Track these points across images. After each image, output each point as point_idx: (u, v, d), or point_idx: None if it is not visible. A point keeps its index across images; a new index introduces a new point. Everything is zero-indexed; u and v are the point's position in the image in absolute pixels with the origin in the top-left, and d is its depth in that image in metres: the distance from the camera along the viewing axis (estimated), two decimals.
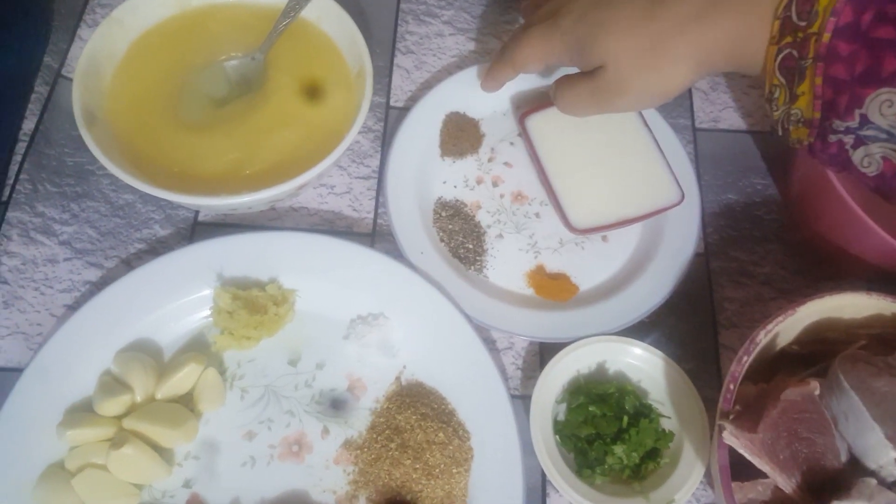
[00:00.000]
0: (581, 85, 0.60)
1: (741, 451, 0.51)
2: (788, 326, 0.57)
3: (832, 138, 0.49)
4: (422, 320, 0.64)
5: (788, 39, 0.49)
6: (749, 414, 0.53)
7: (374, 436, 0.61)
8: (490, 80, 0.68)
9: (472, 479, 0.59)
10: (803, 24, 0.48)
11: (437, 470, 0.58)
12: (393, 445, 0.59)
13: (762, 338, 0.55)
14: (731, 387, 0.53)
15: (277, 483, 0.59)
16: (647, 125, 0.71)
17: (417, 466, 0.58)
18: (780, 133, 0.54)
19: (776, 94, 0.52)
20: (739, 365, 0.54)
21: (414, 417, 0.60)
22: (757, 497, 0.52)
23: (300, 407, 0.62)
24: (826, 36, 0.47)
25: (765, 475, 0.52)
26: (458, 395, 0.62)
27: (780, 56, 0.50)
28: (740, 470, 0.52)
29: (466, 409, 0.62)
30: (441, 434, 0.59)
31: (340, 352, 0.64)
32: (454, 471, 0.59)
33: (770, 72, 0.51)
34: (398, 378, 0.64)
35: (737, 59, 0.53)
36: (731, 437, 0.51)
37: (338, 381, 0.63)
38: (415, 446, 0.59)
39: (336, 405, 0.62)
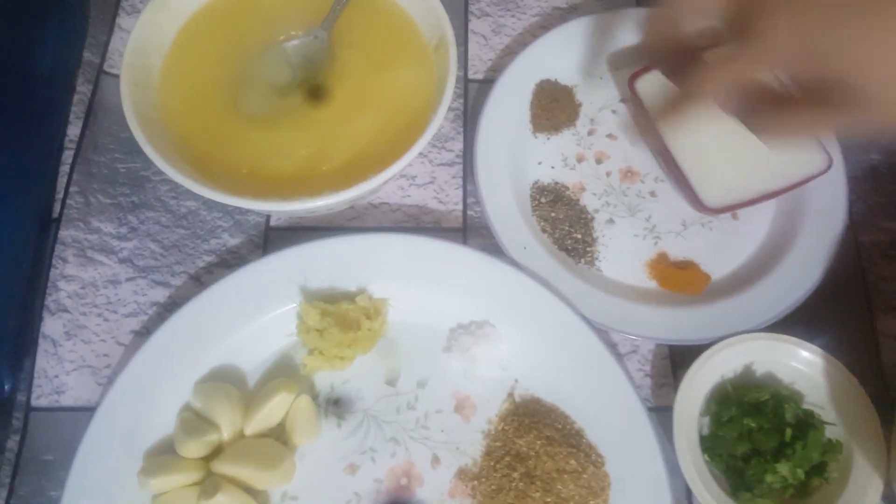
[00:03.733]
0: (808, 109, 0.46)
1: None
2: None
3: None
4: (533, 326, 0.56)
5: None
6: None
7: (492, 463, 0.53)
8: (670, 115, 0.52)
9: None
10: None
11: (572, 502, 0.50)
12: (516, 475, 0.51)
13: None
14: None
15: None
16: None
17: (549, 500, 0.50)
18: None
19: None
20: None
21: (539, 442, 0.52)
22: None
23: (405, 433, 0.54)
24: None
25: None
26: (583, 412, 0.54)
27: None
28: None
29: (596, 428, 0.54)
30: (573, 461, 0.51)
31: (443, 367, 0.56)
32: (591, 502, 0.51)
33: None
34: (511, 395, 0.56)
35: None
36: None
37: (443, 400, 0.55)
38: (543, 476, 0.51)
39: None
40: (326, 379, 0.56)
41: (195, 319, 0.54)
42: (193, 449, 0.50)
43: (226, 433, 0.51)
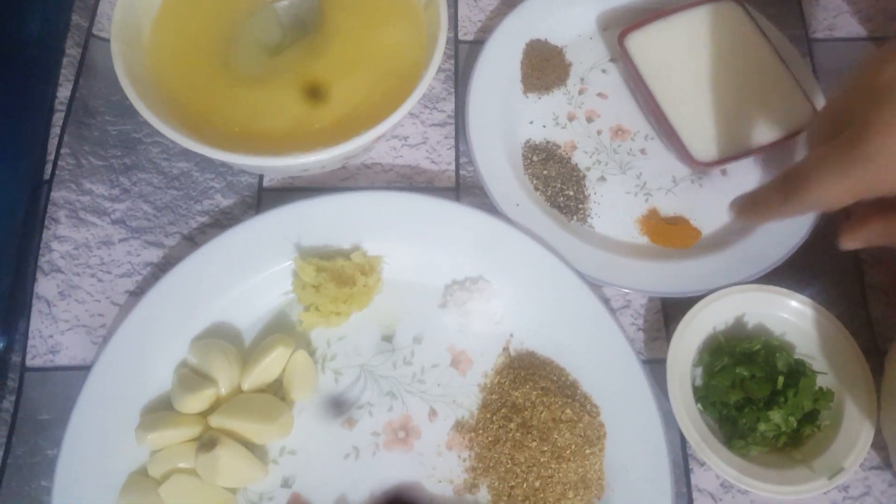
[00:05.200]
0: None
1: None
2: None
3: None
4: (527, 281, 0.56)
5: None
6: None
7: (489, 415, 0.53)
8: (752, 214, 0.49)
9: (608, 458, 0.52)
10: None
11: (568, 451, 0.51)
12: (513, 426, 0.52)
13: None
14: None
15: (385, 476, 0.52)
16: (765, 35, 0.61)
17: (545, 448, 0.51)
18: None
19: None
20: None
21: (534, 393, 0.52)
22: None
23: (401, 387, 0.55)
24: None
25: None
26: (578, 365, 0.55)
27: None
28: None
29: (590, 380, 0.54)
30: (568, 410, 0.52)
31: (438, 323, 0.57)
32: (587, 451, 0.51)
33: None
34: (506, 349, 0.56)
35: None
36: None
37: (439, 355, 0.56)
38: (539, 426, 0.51)
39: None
40: (322, 336, 0.56)
41: (189, 278, 0.54)
42: (191, 404, 0.50)
43: (223, 388, 0.51)
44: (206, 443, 0.49)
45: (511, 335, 0.56)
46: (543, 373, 0.54)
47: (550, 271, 0.56)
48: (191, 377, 0.52)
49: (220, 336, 0.54)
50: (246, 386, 0.52)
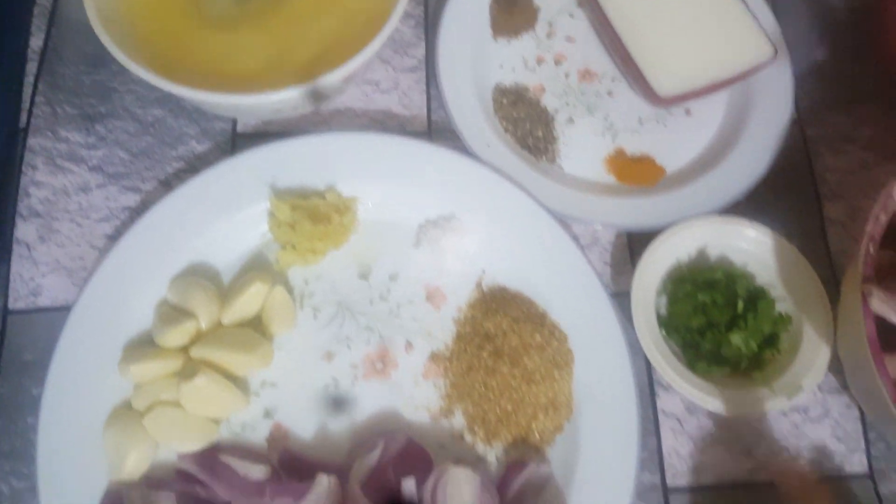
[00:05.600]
0: None
1: (893, 318, 0.45)
2: None
3: None
4: (498, 218, 0.58)
5: None
6: (891, 280, 0.47)
7: (463, 346, 0.55)
8: None
9: (577, 383, 0.54)
10: None
11: (538, 375, 0.53)
12: (485, 353, 0.54)
13: None
14: (871, 248, 0.47)
15: (364, 405, 0.54)
16: None
17: (516, 372, 0.53)
18: None
19: None
20: (877, 225, 0.48)
21: (505, 322, 0.54)
22: None
23: (378, 322, 0.56)
24: None
25: None
26: (547, 297, 0.57)
27: None
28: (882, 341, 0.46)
29: (559, 309, 0.56)
30: (537, 336, 0.54)
31: (413, 260, 0.58)
32: (556, 374, 0.53)
33: None
34: (479, 284, 0.58)
35: None
36: (881, 304, 0.45)
37: (414, 291, 0.57)
38: (510, 352, 0.53)
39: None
40: (300, 274, 0.57)
41: (166, 219, 0.55)
42: (172, 337, 0.52)
43: (203, 322, 0.53)
44: (187, 373, 0.50)
45: (483, 271, 0.58)
46: (514, 304, 0.56)
47: (521, 208, 0.58)
48: (171, 313, 0.53)
49: (198, 276, 0.55)
50: (226, 320, 0.53)
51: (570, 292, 0.56)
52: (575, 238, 0.60)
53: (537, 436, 0.52)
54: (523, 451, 0.53)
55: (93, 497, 0.50)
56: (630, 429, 0.52)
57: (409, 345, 0.56)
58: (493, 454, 0.53)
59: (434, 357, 0.56)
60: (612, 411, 0.53)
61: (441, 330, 0.57)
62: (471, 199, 0.58)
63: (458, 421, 0.54)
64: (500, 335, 0.54)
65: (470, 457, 0.53)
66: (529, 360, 0.53)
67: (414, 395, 0.55)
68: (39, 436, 0.50)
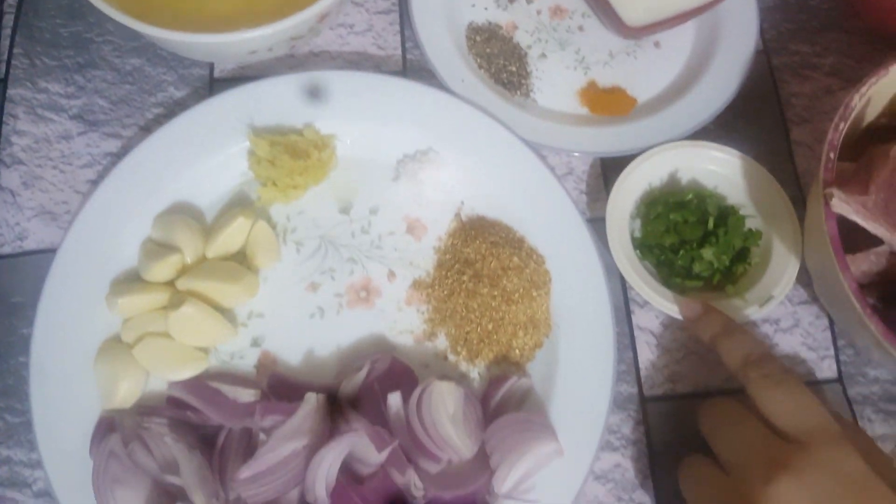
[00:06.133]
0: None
1: (853, 216, 0.47)
2: (880, 91, 0.52)
3: None
4: (474, 149, 0.59)
5: None
6: (853, 184, 0.49)
7: (444, 272, 0.57)
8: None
9: (555, 303, 0.56)
10: None
11: (517, 294, 0.54)
12: (465, 278, 0.55)
13: (856, 102, 0.50)
14: (832, 155, 0.49)
15: (351, 331, 0.56)
16: None
17: (496, 293, 0.54)
18: None
19: None
20: (836, 132, 0.49)
21: (484, 246, 0.56)
22: (871, 268, 0.49)
23: (361, 253, 0.58)
24: None
25: (877, 243, 0.48)
26: (525, 223, 0.58)
27: None
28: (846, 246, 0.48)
29: (536, 234, 0.58)
30: (515, 258, 0.55)
31: (393, 194, 0.59)
32: (534, 294, 0.55)
33: None
34: (458, 215, 0.59)
35: None
36: (841, 204, 0.47)
37: (395, 224, 0.59)
38: (489, 274, 0.55)
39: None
40: (282, 211, 0.59)
41: (148, 159, 0.56)
42: (157, 271, 0.53)
43: (188, 256, 0.54)
44: (175, 302, 0.51)
45: (462, 202, 0.60)
46: (493, 230, 0.57)
47: (497, 140, 0.59)
48: (156, 249, 0.54)
49: (182, 213, 0.56)
50: (210, 254, 0.55)
51: (546, 218, 0.58)
52: (551, 168, 0.62)
53: (518, 353, 0.54)
54: (505, 368, 0.54)
55: (86, 426, 0.51)
56: (606, 343, 0.54)
57: (391, 274, 0.57)
58: (475, 372, 0.55)
59: (416, 284, 0.57)
60: (589, 328, 0.54)
61: (422, 259, 0.58)
62: (448, 132, 0.59)
63: (442, 342, 0.55)
64: (480, 259, 0.56)
65: (454, 375, 0.54)
66: (508, 282, 0.55)
67: (398, 321, 0.56)
68: (31, 372, 0.52)
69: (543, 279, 0.56)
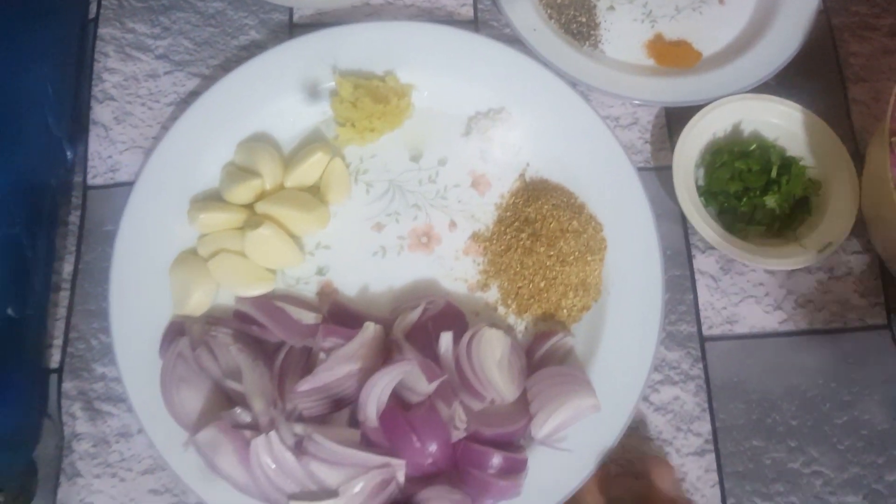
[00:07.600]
0: None
1: None
2: None
3: None
4: (544, 114, 0.61)
5: None
6: None
7: (503, 228, 0.59)
8: None
9: (607, 269, 0.57)
10: None
11: (572, 257, 0.56)
12: (524, 235, 0.57)
13: None
14: None
15: (408, 272, 0.58)
16: None
17: (552, 254, 0.56)
18: None
19: None
20: None
21: (546, 207, 0.58)
22: None
23: (426, 201, 0.60)
24: None
25: None
26: (586, 189, 0.60)
27: None
28: None
29: (597, 202, 0.59)
30: (574, 222, 0.57)
31: (462, 148, 0.62)
32: (589, 258, 0.56)
33: None
34: (522, 175, 0.61)
35: None
36: None
37: (461, 177, 0.61)
38: (548, 234, 0.57)
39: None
40: (356, 153, 0.61)
41: (236, 88, 0.60)
42: (238, 193, 0.56)
43: (268, 183, 0.57)
44: (253, 223, 0.54)
45: (528, 164, 0.61)
46: (555, 194, 0.59)
47: (568, 104, 0.60)
48: (238, 173, 0.57)
49: (263, 142, 0.59)
50: (288, 183, 0.58)
51: (608, 185, 0.59)
52: (614, 120, 0.64)
53: (565, 312, 0.56)
54: (551, 325, 0.57)
55: (157, 328, 0.55)
56: (652, 318, 0.55)
57: (452, 224, 0.60)
58: (522, 325, 0.57)
59: (475, 236, 0.59)
60: (639, 300, 0.56)
61: (483, 213, 0.60)
62: (521, 94, 0.61)
63: (493, 294, 0.58)
64: (540, 219, 0.58)
65: (502, 325, 0.57)
66: (565, 244, 0.56)
67: (454, 268, 0.59)
68: (112, 273, 0.55)
69: (599, 246, 0.58)
